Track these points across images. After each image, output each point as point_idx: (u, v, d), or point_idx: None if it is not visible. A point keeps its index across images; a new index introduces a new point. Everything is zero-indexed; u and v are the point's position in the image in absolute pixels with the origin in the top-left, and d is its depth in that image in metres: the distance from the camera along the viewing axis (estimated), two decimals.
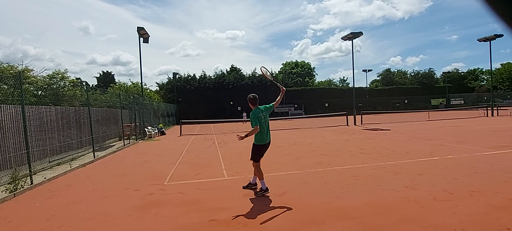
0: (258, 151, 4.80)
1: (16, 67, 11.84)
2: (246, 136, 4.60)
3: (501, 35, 25.18)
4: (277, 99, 5.16)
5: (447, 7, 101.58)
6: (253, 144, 4.83)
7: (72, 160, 8.95)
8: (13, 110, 7.00)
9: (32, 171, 6.40)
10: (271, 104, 5.08)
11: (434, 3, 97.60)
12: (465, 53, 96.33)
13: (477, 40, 26.85)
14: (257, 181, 4.95)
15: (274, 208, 4.13)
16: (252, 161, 4.86)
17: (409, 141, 10.58)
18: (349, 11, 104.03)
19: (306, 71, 59.06)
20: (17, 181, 5.77)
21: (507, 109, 28.13)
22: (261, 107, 4.92)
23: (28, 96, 9.21)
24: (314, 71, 61.85)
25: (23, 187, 5.73)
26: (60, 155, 9.09)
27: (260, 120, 4.71)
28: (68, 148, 9.75)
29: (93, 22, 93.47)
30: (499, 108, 27.70)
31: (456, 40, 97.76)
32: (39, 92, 11.20)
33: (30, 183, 6.07)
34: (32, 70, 12.54)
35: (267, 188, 4.79)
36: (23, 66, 12.25)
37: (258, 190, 4.87)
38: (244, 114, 28.75)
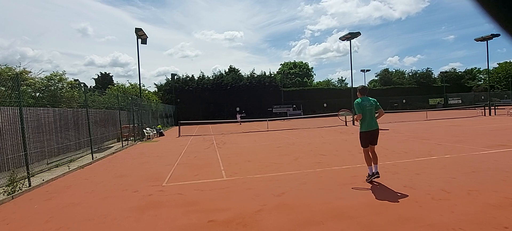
0: (362, 138, 5.25)
1: (14, 69, 11.79)
2: (355, 120, 5.30)
3: (497, 35, 25.32)
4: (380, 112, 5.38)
5: (444, 7, 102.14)
6: (359, 131, 5.30)
7: (71, 162, 8.92)
8: (10, 112, 6.97)
9: (30, 173, 6.38)
10: (377, 103, 5.34)
11: (431, 3, 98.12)
12: (462, 53, 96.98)
13: (474, 39, 26.97)
14: (372, 166, 5.16)
15: (273, 208, 4.14)
16: (362, 146, 5.30)
17: (407, 141, 10.61)
18: (346, 12, 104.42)
19: (304, 72, 59.16)
20: (15, 183, 5.74)
21: (504, 109, 28.27)
22: (371, 99, 5.27)
23: (26, 98, 9.18)
24: (312, 72, 62.02)
25: (21, 189, 5.71)
26: (58, 157, 9.05)
27: (364, 109, 5.12)
28: (66, 149, 9.72)
29: (91, 24, 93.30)
30: (496, 107, 27.83)
31: (453, 40, 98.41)
32: (37, 94, 11.16)
33: (28, 185, 6.05)
34: (30, 72, 12.50)
35: (373, 173, 5.05)
36: (21, 68, 12.21)
37: (366, 176, 5.21)
38: (238, 115, 28.67)
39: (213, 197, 4.82)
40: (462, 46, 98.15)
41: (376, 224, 3.42)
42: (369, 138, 5.16)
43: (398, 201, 4.16)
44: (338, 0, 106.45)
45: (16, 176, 6.00)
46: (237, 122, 27.88)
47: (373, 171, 5.07)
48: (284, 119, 31.11)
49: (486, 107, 25.52)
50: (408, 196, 4.35)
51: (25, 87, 10.38)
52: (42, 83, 12.14)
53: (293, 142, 11.92)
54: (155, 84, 49.88)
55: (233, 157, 8.92)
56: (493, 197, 4.09)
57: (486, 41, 26.07)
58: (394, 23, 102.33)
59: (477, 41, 26.78)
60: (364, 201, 4.21)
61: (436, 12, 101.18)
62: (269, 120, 23.14)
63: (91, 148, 10.03)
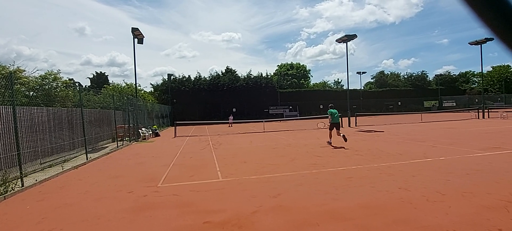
0: (331, 126, 10.95)
1: (7, 68, 11.62)
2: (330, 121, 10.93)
3: (491, 39, 25.65)
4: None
5: (438, 12, 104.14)
6: (330, 122, 10.93)
7: (64, 162, 8.80)
8: (3, 111, 6.87)
9: (23, 173, 6.28)
10: (337, 113, 11.00)
11: (424, 8, 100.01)
12: (456, 56, 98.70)
13: (469, 43, 27.31)
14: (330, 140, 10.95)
15: (268, 209, 4.12)
16: (329, 130, 11.11)
17: (403, 143, 10.68)
18: (341, 15, 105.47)
19: (301, 73, 59.34)
20: (7, 184, 5.65)
21: (497, 112, 28.65)
22: (334, 110, 10.95)
23: (19, 97, 9.05)
24: (309, 73, 62.25)
25: (13, 190, 5.61)
26: (52, 157, 8.93)
27: (333, 115, 10.85)
28: (60, 149, 9.60)
29: (89, 24, 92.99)
30: (490, 110, 28.18)
31: (447, 43, 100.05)
32: (31, 93, 11.01)
33: (20, 185, 5.96)
34: (24, 70, 12.32)
35: (330, 142, 10.73)
36: (15, 66, 12.02)
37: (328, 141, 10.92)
38: (230, 117, 28.39)
39: (209, 198, 4.80)
40: (456, 50, 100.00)
41: (371, 226, 3.42)
42: (333, 127, 10.91)
43: (394, 203, 4.17)
44: (333, 4, 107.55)
45: (9, 176, 5.91)
46: (228, 122, 27.63)
47: (331, 140, 10.91)
48: (280, 120, 31.14)
49: (480, 110, 25.82)
50: (403, 198, 4.37)
51: (18, 86, 10.24)
52: (36, 82, 11.98)
53: (289, 143, 11.93)
54: (151, 84, 49.59)
55: (229, 157, 8.89)
56: (487, 199, 4.13)
57: (480, 45, 26.40)
58: (389, 26, 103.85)
59: (471, 44, 27.12)
60: (360, 203, 4.21)
61: (430, 17, 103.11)
62: (265, 121, 23.14)
63: (86, 148, 9.91)
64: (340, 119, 11.12)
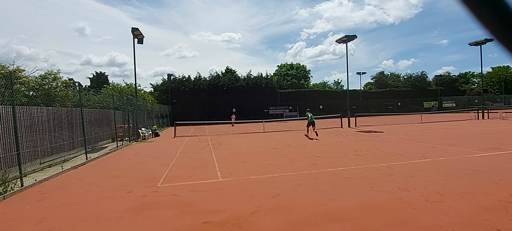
0: (307, 123, 14.63)
1: (7, 68, 11.61)
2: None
3: (491, 40, 25.65)
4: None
5: (437, 13, 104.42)
6: (307, 121, 14.70)
7: (64, 162, 8.80)
8: (3, 111, 6.87)
9: (22, 173, 6.28)
10: (312, 116, 14.59)
11: (424, 9, 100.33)
12: (456, 57, 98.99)
13: (468, 44, 27.32)
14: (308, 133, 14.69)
15: (268, 209, 4.13)
16: (306, 126, 14.84)
17: (402, 143, 10.69)
18: (340, 16, 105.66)
19: (301, 74, 59.33)
20: (6, 183, 5.65)
21: (497, 112, 28.67)
22: (310, 114, 14.62)
23: (19, 96, 9.05)
24: (310, 74, 62.24)
25: (13, 190, 5.62)
26: (52, 157, 8.93)
27: (308, 116, 14.58)
28: (59, 149, 9.60)
29: (89, 24, 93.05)
30: (489, 111, 28.21)
31: (447, 44, 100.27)
32: (31, 92, 11.01)
33: (20, 185, 5.96)
34: (23, 70, 12.31)
35: (307, 135, 14.58)
36: (14, 66, 12.02)
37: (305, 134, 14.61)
38: (233, 117, 28.45)
39: (208, 198, 4.80)
40: (456, 51, 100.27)
41: (370, 226, 3.43)
42: (309, 124, 14.35)
43: (393, 203, 4.18)
44: (333, 5, 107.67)
45: (8, 175, 5.91)
46: (230, 122, 27.71)
47: (308, 134, 14.76)
48: (280, 120, 31.14)
49: (479, 111, 25.85)
50: (402, 198, 4.38)
51: (18, 86, 10.24)
52: (36, 82, 11.98)
53: (289, 144, 11.93)
54: (151, 84, 49.54)
55: (228, 158, 8.89)
56: (486, 200, 4.13)
57: (479, 46, 26.41)
58: (389, 27, 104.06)
59: (471, 45, 27.13)
60: (359, 203, 4.22)
61: (429, 17, 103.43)
62: (265, 121, 23.14)
63: (85, 148, 9.91)
64: (314, 119, 14.63)
